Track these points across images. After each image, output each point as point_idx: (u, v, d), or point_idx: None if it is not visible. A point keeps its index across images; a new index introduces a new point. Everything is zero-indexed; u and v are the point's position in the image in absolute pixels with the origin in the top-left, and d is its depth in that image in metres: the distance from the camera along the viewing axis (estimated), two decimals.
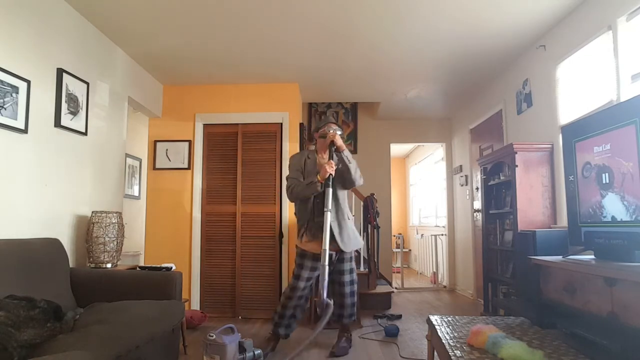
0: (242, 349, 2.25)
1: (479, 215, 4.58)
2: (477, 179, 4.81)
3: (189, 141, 4.35)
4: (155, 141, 4.39)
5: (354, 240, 2.95)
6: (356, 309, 3.12)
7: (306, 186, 2.81)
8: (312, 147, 3.13)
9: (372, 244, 4.63)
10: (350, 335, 3.09)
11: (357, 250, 4.60)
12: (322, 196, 2.79)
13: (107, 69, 3.36)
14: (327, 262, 2.56)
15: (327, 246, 2.55)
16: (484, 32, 3.31)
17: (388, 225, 5.86)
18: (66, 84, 2.77)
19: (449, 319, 2.24)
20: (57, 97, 2.70)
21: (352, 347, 3.03)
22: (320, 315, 2.57)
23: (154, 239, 4.29)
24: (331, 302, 2.57)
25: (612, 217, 1.89)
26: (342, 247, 2.85)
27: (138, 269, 2.99)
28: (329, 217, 2.62)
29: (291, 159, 3.04)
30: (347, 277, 2.98)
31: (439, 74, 4.25)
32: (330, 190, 2.69)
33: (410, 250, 8.72)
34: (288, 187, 2.93)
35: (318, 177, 2.76)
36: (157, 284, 2.49)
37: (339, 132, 2.90)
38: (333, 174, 2.74)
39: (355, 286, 3.06)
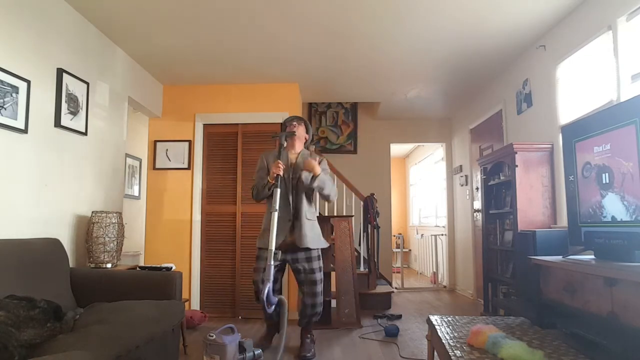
0: (242, 349, 2.25)
1: (479, 215, 4.58)
2: (477, 179, 4.81)
3: (189, 141, 4.35)
4: (155, 141, 4.39)
5: (315, 239, 2.90)
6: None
7: (262, 188, 2.86)
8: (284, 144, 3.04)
9: (372, 244, 4.63)
10: (313, 335, 3.04)
11: (357, 250, 4.62)
12: (285, 193, 2.83)
13: (107, 69, 3.36)
14: (272, 262, 2.43)
15: (273, 246, 2.46)
16: (484, 32, 3.31)
17: (388, 225, 5.86)
18: (66, 84, 2.77)
19: (449, 319, 2.24)
20: (57, 97, 2.70)
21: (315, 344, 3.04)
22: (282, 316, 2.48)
23: (154, 239, 4.29)
24: (283, 297, 2.46)
25: (612, 217, 1.89)
26: (299, 242, 2.81)
27: (138, 269, 3.00)
28: (275, 218, 2.53)
29: (259, 159, 3.05)
30: (318, 276, 2.90)
31: (439, 74, 4.25)
32: (279, 191, 2.62)
33: (410, 250, 8.72)
34: (252, 188, 2.97)
35: (268, 177, 2.78)
36: (157, 284, 2.49)
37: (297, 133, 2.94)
38: (281, 174, 2.70)
39: (321, 285, 2.96)
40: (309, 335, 2.95)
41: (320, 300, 2.91)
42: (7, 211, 2.32)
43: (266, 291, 2.30)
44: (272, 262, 2.38)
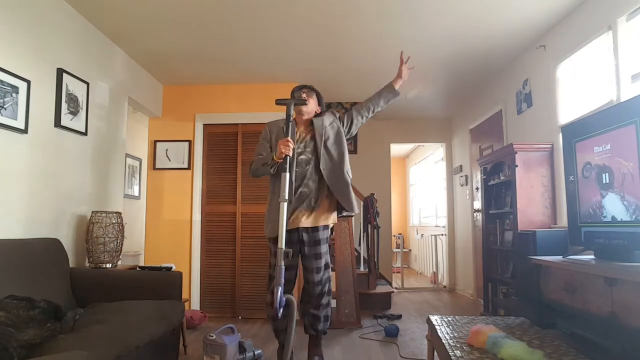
0: (242, 349, 2.24)
1: (479, 215, 4.58)
2: (477, 179, 4.81)
3: (189, 141, 4.35)
4: (155, 141, 4.39)
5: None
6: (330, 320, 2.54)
7: (261, 165, 2.42)
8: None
9: (372, 244, 4.63)
10: (322, 356, 2.52)
11: (357, 250, 4.61)
12: (302, 165, 2.41)
13: (107, 69, 3.36)
14: (282, 263, 2.05)
15: (283, 245, 2.06)
16: (484, 32, 3.31)
17: (388, 225, 5.86)
18: (66, 84, 2.77)
19: (449, 319, 2.24)
20: (57, 97, 2.70)
21: None
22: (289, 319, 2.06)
23: (154, 239, 4.28)
24: (292, 297, 2.09)
25: (612, 217, 1.89)
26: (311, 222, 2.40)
27: (138, 269, 3.00)
28: (284, 209, 2.10)
29: (263, 129, 2.61)
30: (319, 276, 2.45)
31: (439, 74, 4.25)
32: (288, 175, 2.14)
33: (410, 250, 8.72)
34: (251, 163, 2.53)
35: (274, 156, 2.31)
36: (157, 284, 2.49)
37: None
38: (290, 154, 2.21)
39: (329, 284, 2.50)
40: (317, 354, 2.51)
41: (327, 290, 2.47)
42: (7, 211, 2.32)
43: (279, 296, 1.97)
44: (283, 264, 2.03)
